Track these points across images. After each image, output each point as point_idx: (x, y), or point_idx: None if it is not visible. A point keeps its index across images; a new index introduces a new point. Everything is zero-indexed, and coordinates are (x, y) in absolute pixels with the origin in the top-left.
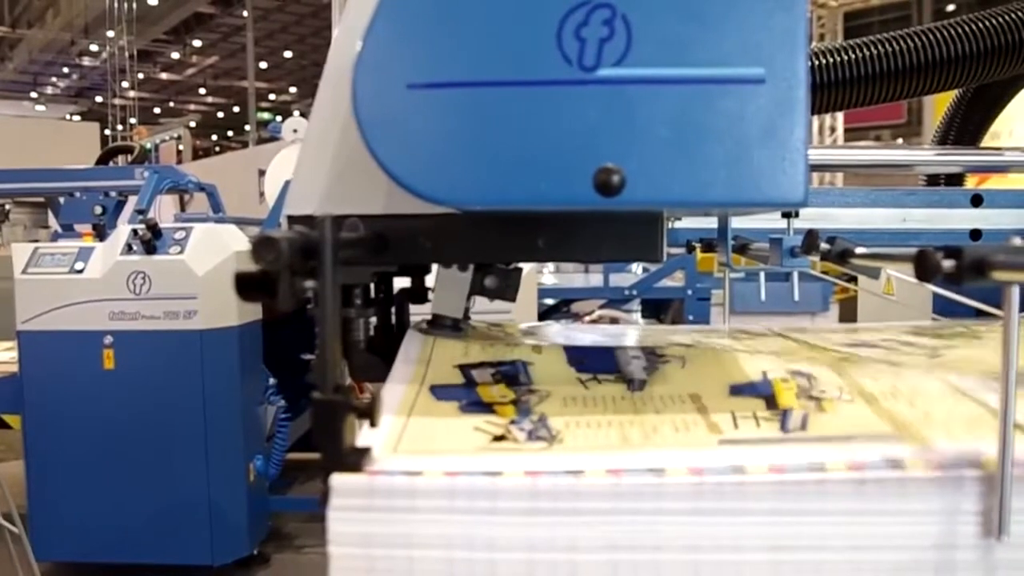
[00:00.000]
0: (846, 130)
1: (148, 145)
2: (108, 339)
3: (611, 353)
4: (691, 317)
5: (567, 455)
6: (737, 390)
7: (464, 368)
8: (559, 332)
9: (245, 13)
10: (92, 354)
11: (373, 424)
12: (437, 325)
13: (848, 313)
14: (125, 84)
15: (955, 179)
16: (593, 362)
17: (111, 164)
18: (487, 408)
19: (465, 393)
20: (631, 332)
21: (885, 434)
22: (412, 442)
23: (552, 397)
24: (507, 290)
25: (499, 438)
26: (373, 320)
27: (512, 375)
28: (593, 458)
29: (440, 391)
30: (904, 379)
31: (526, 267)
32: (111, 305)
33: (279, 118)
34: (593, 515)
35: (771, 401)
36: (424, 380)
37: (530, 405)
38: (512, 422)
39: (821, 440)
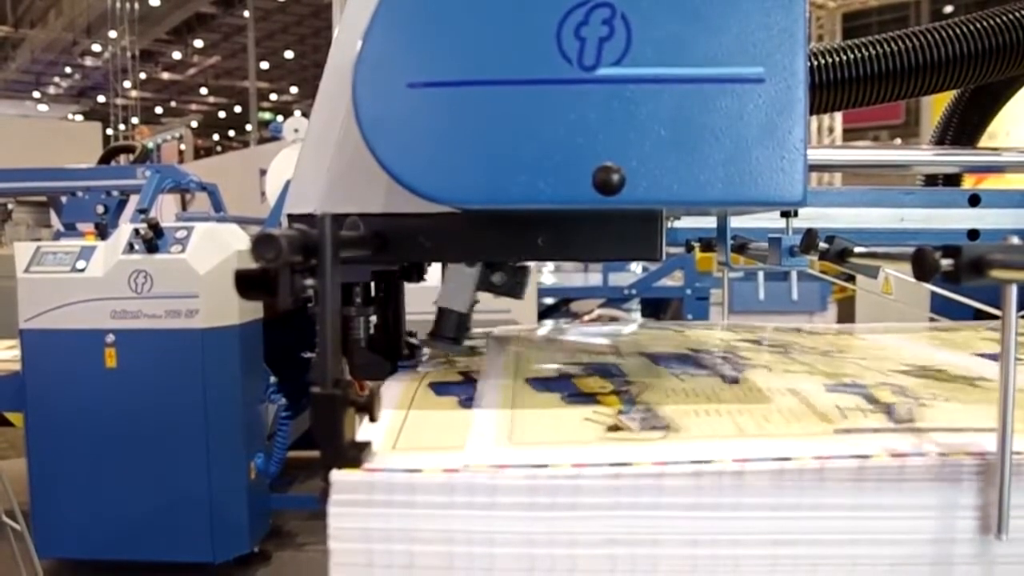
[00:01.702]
0: (844, 130)
1: (150, 145)
2: (110, 338)
3: (691, 358)
4: (690, 316)
5: (689, 443)
6: (833, 389)
7: (555, 367)
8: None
9: (246, 13)
10: (94, 352)
11: (372, 419)
12: (438, 336)
13: (846, 312)
14: (127, 84)
15: (953, 179)
16: (679, 363)
17: (113, 163)
18: (591, 399)
19: (563, 385)
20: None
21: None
22: (526, 433)
23: (652, 388)
24: (515, 287)
25: (613, 428)
26: (373, 319)
27: (604, 370)
28: (717, 446)
29: (537, 383)
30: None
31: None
32: (113, 304)
33: (280, 118)
34: (592, 510)
35: (871, 398)
36: (516, 375)
37: (633, 395)
38: (620, 412)
39: (934, 430)
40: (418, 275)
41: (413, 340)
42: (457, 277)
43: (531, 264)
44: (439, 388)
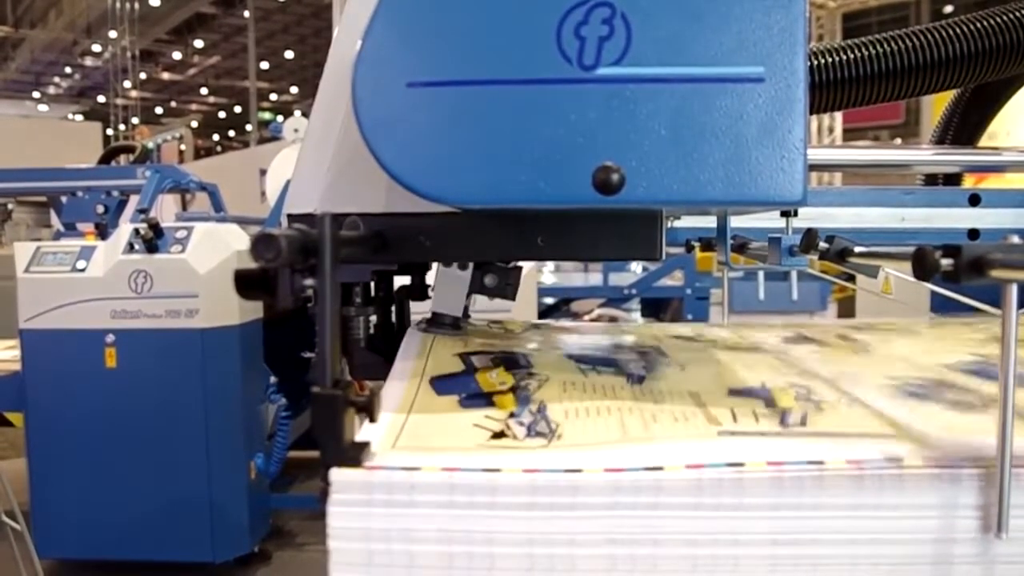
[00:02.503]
0: (844, 130)
1: (150, 145)
2: (110, 337)
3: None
4: (690, 316)
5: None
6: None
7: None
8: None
9: (247, 13)
10: (94, 352)
11: (372, 419)
12: (436, 323)
13: (846, 312)
14: (127, 84)
15: (953, 179)
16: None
17: (113, 163)
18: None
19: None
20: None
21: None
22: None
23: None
24: (507, 288)
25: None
26: (373, 319)
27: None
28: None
29: (440, 384)
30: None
31: (526, 266)
32: (113, 304)
33: (280, 118)
34: (591, 509)
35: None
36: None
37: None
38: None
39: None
40: (422, 293)
41: None
42: (449, 281)
43: (523, 265)
44: (439, 387)
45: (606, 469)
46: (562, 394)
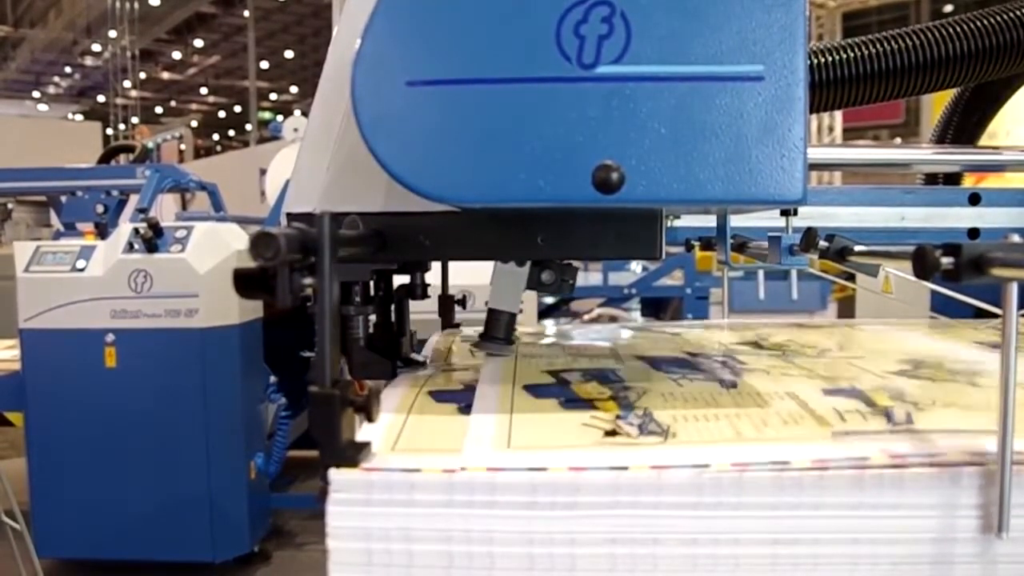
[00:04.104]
0: (844, 130)
1: (150, 144)
2: (110, 337)
3: (690, 362)
4: (690, 316)
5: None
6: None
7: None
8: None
9: (246, 13)
10: (94, 352)
11: (371, 420)
12: (489, 339)
13: (846, 311)
14: (127, 84)
15: (953, 178)
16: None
17: (113, 163)
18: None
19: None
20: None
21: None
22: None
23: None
24: (563, 285)
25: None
26: (373, 318)
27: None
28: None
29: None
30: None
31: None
32: (113, 303)
33: (280, 117)
34: (592, 509)
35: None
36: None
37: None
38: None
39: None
40: (423, 292)
41: (418, 357)
42: (507, 277)
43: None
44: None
45: (733, 464)
46: (664, 403)
